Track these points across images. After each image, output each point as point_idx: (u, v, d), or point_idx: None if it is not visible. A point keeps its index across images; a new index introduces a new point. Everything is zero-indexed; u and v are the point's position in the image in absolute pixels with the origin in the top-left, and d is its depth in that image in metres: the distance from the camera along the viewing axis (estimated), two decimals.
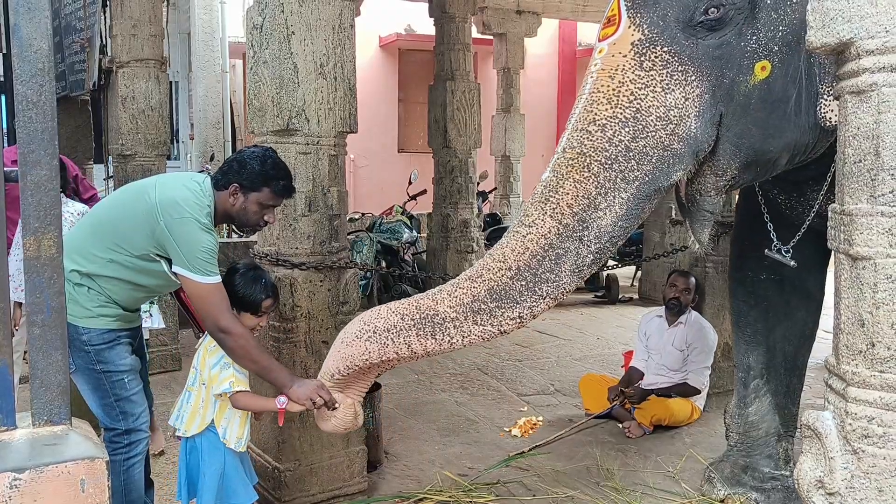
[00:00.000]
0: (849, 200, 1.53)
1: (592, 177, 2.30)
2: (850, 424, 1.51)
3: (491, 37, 10.42)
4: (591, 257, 2.32)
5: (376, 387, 3.95)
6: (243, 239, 8.40)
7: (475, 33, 7.93)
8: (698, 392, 4.49)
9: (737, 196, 4.93)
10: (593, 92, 2.36)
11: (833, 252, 1.61)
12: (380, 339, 2.41)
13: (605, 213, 2.30)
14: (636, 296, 8.41)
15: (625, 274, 8.91)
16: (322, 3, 3.24)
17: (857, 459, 1.51)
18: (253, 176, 2.70)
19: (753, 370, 3.31)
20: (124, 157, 5.60)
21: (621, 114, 2.31)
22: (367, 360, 2.47)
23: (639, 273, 8.85)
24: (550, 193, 2.32)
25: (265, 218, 2.80)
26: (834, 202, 2.65)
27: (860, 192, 1.50)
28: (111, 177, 6.78)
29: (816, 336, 3.39)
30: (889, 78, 1.43)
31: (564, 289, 2.33)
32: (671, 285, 4.62)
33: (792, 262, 2.83)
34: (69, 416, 1.61)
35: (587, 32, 13.57)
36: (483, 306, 2.30)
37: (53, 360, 1.58)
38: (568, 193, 2.30)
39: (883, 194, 1.46)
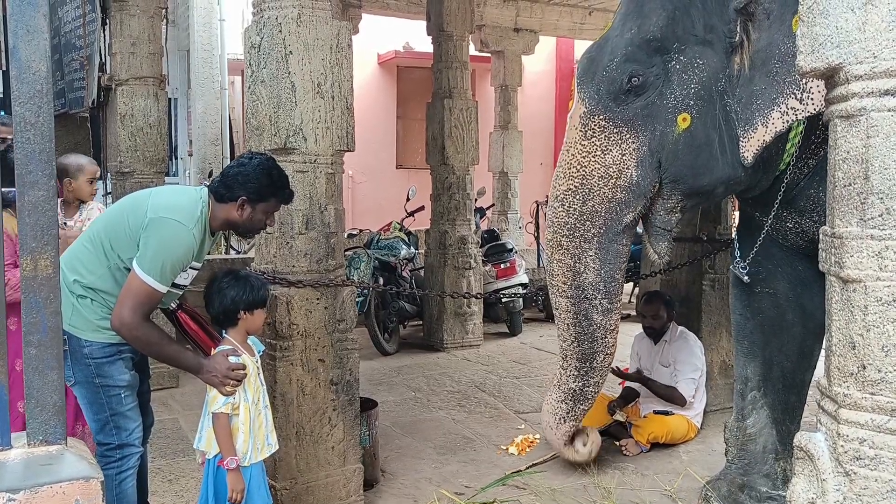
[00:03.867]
0: (839, 223, 1.54)
1: (564, 250, 2.92)
2: (841, 446, 1.52)
3: (489, 54, 10.48)
4: (606, 300, 2.96)
5: (373, 404, 3.94)
6: (241, 256, 8.42)
7: (473, 51, 7.97)
8: (684, 401, 4.43)
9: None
10: (558, 168, 2.94)
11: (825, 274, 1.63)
12: (566, 419, 3.42)
13: (587, 273, 2.91)
14: (634, 312, 8.40)
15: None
16: (320, 23, 3.27)
17: (849, 481, 1.51)
18: (262, 189, 2.78)
19: (751, 381, 3.34)
20: (123, 174, 5.62)
21: (572, 184, 2.86)
22: (571, 430, 3.51)
23: (636, 290, 8.85)
24: (550, 278, 3.02)
25: (267, 222, 2.90)
26: (789, 222, 3.01)
27: (850, 216, 1.51)
28: (109, 193, 6.80)
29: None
30: (877, 103, 1.45)
31: (610, 325, 3.04)
32: (640, 315, 4.67)
33: (745, 278, 3.18)
34: (65, 435, 1.60)
35: (584, 50, 13.62)
36: (585, 368, 3.14)
37: (49, 379, 1.58)
38: (557, 274, 2.97)
39: (872, 217, 1.47)
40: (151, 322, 2.69)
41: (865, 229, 1.47)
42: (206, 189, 2.82)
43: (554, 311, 3.06)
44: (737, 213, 4.96)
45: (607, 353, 3.06)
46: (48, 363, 1.58)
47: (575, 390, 3.20)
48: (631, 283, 8.85)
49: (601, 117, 2.80)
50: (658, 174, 2.80)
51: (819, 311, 3.34)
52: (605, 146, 2.79)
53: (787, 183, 2.89)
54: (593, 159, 2.81)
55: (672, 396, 4.43)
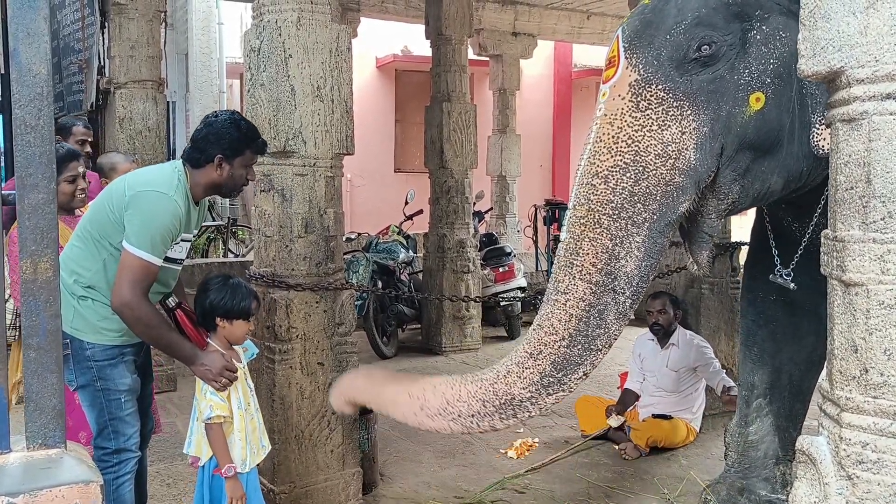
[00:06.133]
0: (841, 227, 1.53)
1: (605, 230, 2.40)
2: (844, 450, 1.51)
3: (487, 58, 10.49)
4: (629, 301, 2.45)
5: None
6: (239, 259, 8.40)
7: (471, 55, 7.98)
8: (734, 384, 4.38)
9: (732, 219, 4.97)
10: (596, 142, 2.47)
11: (827, 278, 1.62)
12: (465, 422, 2.51)
13: (627, 261, 2.41)
14: (632, 316, 8.40)
15: None
16: (319, 27, 3.27)
17: (851, 485, 1.50)
18: (234, 143, 2.76)
19: (757, 389, 3.31)
20: None
21: (621, 160, 2.40)
22: (448, 432, 2.58)
23: None
24: (573, 257, 2.44)
25: (248, 177, 2.87)
26: (821, 225, 2.75)
27: (852, 219, 1.50)
28: None
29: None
30: (879, 106, 1.44)
31: (615, 336, 2.48)
32: (647, 311, 4.65)
33: (792, 286, 2.88)
34: (64, 439, 1.60)
35: (582, 54, 13.68)
36: (552, 379, 2.44)
37: (48, 382, 1.57)
38: (588, 253, 2.42)
39: (874, 221, 1.46)
40: (152, 304, 2.68)
41: (867, 233, 1.47)
42: (180, 161, 2.82)
43: (554, 297, 2.47)
44: (739, 217, 4.97)
45: (586, 373, 2.47)
46: (47, 366, 1.57)
47: (504, 403, 2.45)
48: None
49: (659, 87, 2.40)
50: (717, 162, 2.45)
51: None
52: (663, 121, 2.39)
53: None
54: (648, 134, 2.40)
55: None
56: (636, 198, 2.41)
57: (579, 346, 2.43)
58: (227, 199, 11.86)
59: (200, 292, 2.79)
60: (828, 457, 1.55)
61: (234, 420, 2.73)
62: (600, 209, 2.42)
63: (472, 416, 2.48)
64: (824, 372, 1.67)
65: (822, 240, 1.62)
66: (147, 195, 2.64)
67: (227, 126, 2.77)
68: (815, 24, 1.52)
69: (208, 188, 2.81)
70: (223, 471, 2.66)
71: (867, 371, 1.49)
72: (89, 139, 4.61)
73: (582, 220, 2.45)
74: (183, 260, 2.88)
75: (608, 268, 2.41)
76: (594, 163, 2.45)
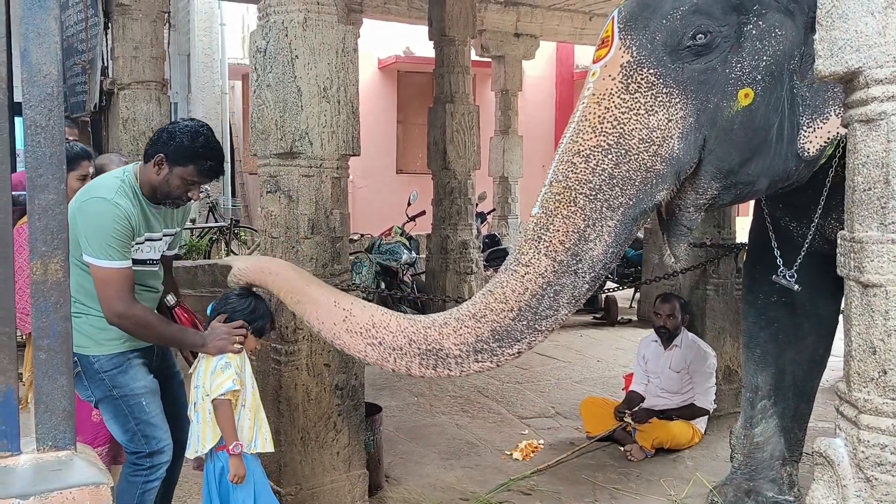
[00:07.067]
0: (859, 228, 1.53)
1: (579, 210, 2.34)
2: (862, 452, 1.50)
3: (489, 59, 10.50)
4: (587, 286, 2.37)
5: (377, 410, 3.93)
6: None
7: (473, 56, 7.99)
8: (707, 412, 4.48)
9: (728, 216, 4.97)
10: (581, 120, 2.42)
11: (844, 279, 1.61)
12: (382, 352, 2.44)
13: (596, 244, 2.35)
14: (635, 317, 8.40)
15: (624, 296, 8.90)
16: (325, 28, 3.26)
17: (870, 487, 1.50)
18: (180, 150, 2.66)
19: (761, 391, 3.30)
20: None
21: (605, 141, 2.35)
22: (361, 357, 2.51)
23: (637, 295, 8.84)
24: (542, 231, 2.36)
25: (188, 194, 2.77)
26: (830, 226, 2.76)
27: (870, 220, 1.50)
28: None
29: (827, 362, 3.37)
30: None
31: (562, 320, 2.40)
32: (655, 313, 4.63)
33: (796, 287, 2.87)
34: (74, 441, 1.59)
35: (584, 55, 13.68)
36: (486, 346, 2.36)
37: (59, 384, 1.56)
38: (559, 230, 2.34)
39: (893, 222, 1.46)
40: (143, 306, 2.67)
41: (886, 234, 1.46)
42: (138, 163, 2.79)
43: (514, 268, 2.38)
44: (743, 218, 4.97)
45: (521, 351, 2.38)
46: (58, 368, 1.56)
47: (430, 351, 2.39)
48: (632, 289, 8.86)
49: (651, 71, 2.36)
50: (699, 155, 2.42)
51: (831, 317, 3.34)
52: (651, 106, 2.35)
53: (830, 183, 2.59)
54: (635, 118, 2.34)
55: (695, 414, 4.47)
56: (615, 181, 2.35)
57: (524, 322, 2.34)
58: (230, 200, 11.85)
59: (223, 301, 2.82)
60: (845, 459, 1.54)
61: (247, 397, 2.74)
62: (578, 188, 2.35)
63: (394, 349, 2.43)
64: (834, 374, 1.66)
65: (839, 241, 1.61)
66: (87, 203, 2.61)
67: (184, 132, 2.69)
68: (833, 24, 1.51)
69: (151, 187, 2.72)
70: (230, 448, 2.65)
71: (886, 373, 1.48)
72: None
73: (557, 197, 2.37)
74: (156, 261, 2.83)
75: (576, 248, 2.34)
76: (577, 141, 2.40)
